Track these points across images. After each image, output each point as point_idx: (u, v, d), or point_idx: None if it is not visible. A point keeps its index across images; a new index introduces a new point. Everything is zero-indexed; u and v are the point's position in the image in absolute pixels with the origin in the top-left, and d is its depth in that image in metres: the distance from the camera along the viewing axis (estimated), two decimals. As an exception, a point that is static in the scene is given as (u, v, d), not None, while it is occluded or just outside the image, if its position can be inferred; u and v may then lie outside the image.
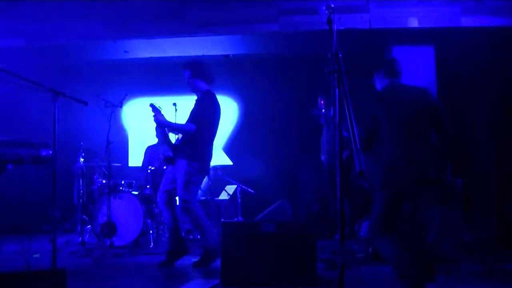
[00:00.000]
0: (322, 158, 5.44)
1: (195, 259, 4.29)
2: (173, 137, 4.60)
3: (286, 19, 5.25)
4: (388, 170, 2.74)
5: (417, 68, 5.18)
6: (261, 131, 6.61)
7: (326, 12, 2.16)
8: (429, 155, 2.78)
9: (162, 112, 4.06)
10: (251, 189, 5.47)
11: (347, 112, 2.02)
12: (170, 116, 5.53)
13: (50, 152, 2.64)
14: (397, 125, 2.80)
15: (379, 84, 3.08)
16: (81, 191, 5.55)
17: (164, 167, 4.23)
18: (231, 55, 6.34)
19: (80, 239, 5.07)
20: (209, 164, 4.13)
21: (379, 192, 2.83)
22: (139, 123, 7.26)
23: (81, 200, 5.51)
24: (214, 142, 4.22)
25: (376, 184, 2.89)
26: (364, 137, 2.85)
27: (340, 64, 2.07)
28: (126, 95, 4.85)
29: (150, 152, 5.86)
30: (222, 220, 3.46)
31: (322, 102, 4.46)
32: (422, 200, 2.95)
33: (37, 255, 4.12)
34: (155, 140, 6.08)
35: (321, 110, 4.32)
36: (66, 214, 5.60)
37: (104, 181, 5.27)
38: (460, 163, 3.87)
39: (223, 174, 5.67)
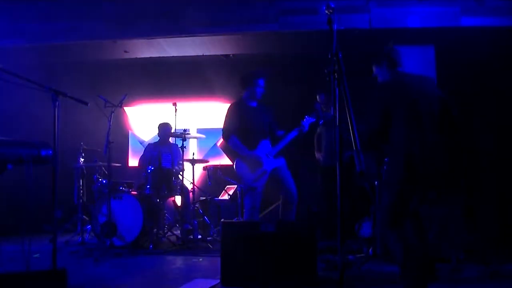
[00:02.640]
0: (317, 156, 5.43)
1: (195, 259, 4.31)
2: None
3: (286, 19, 5.25)
4: (404, 161, 2.64)
5: (417, 68, 5.17)
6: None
7: (326, 12, 2.15)
8: (442, 146, 2.73)
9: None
10: (251, 189, 5.46)
11: (347, 112, 2.02)
12: (170, 116, 5.55)
13: (50, 152, 2.64)
14: (412, 113, 2.70)
15: (382, 76, 3.00)
16: (81, 191, 5.56)
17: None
18: (231, 55, 6.34)
19: (80, 239, 5.08)
20: None
21: (391, 185, 2.75)
22: (140, 123, 7.26)
23: (81, 200, 5.52)
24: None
25: (388, 177, 2.82)
26: (373, 134, 2.75)
27: (340, 64, 2.07)
28: (126, 95, 4.85)
29: (150, 149, 5.87)
30: (222, 220, 3.46)
31: (319, 104, 4.49)
32: (429, 194, 2.90)
33: (37, 255, 4.12)
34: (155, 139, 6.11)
35: (319, 112, 4.33)
36: (66, 214, 5.60)
37: (104, 181, 5.27)
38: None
39: (223, 174, 5.67)
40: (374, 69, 3.05)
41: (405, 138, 2.68)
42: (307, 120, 4.23)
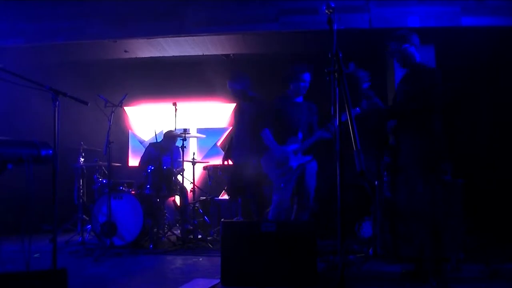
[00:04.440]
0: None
1: (195, 259, 4.30)
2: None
3: (286, 19, 5.25)
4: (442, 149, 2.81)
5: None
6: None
7: (326, 12, 2.15)
8: None
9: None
10: (251, 189, 5.46)
11: (347, 111, 2.02)
12: (170, 116, 5.55)
13: (50, 152, 2.64)
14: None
15: (416, 55, 3.26)
16: (81, 191, 5.56)
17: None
18: (231, 55, 6.34)
19: (80, 239, 5.08)
20: None
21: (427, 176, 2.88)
22: (140, 123, 7.26)
23: (81, 200, 5.52)
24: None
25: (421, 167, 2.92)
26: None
27: (340, 64, 2.07)
28: (126, 95, 4.85)
29: (151, 150, 5.86)
30: (222, 220, 3.46)
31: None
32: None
33: (37, 255, 4.12)
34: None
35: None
36: (66, 214, 5.60)
37: (104, 181, 5.27)
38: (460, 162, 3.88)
39: (223, 174, 5.67)
40: (398, 46, 3.15)
41: (442, 127, 2.82)
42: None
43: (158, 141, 5.73)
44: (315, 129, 4.20)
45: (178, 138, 5.55)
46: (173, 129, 5.68)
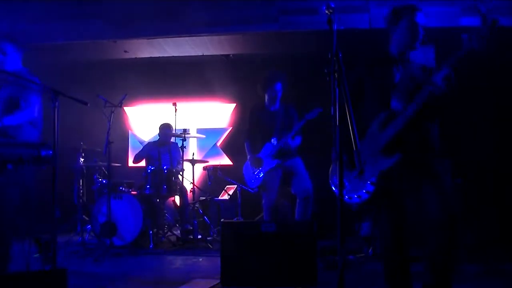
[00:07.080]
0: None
1: (195, 259, 4.31)
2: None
3: (286, 19, 5.25)
4: None
5: (417, 68, 5.18)
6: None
7: (326, 12, 2.15)
8: None
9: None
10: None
11: (347, 112, 2.02)
12: (170, 116, 5.55)
13: (50, 152, 2.64)
14: None
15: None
16: (81, 191, 5.56)
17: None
18: (231, 55, 6.35)
19: (80, 239, 5.08)
20: None
21: None
22: (140, 123, 7.27)
23: (81, 200, 5.52)
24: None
25: None
26: None
27: (340, 64, 2.06)
28: (126, 95, 4.85)
29: (150, 148, 5.84)
30: (222, 220, 3.46)
31: None
32: None
33: (37, 255, 4.12)
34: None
35: None
36: (66, 214, 5.60)
37: (104, 181, 5.27)
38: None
39: (223, 174, 5.67)
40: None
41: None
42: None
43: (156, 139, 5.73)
44: (295, 128, 4.39)
45: (175, 136, 5.56)
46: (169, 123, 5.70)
